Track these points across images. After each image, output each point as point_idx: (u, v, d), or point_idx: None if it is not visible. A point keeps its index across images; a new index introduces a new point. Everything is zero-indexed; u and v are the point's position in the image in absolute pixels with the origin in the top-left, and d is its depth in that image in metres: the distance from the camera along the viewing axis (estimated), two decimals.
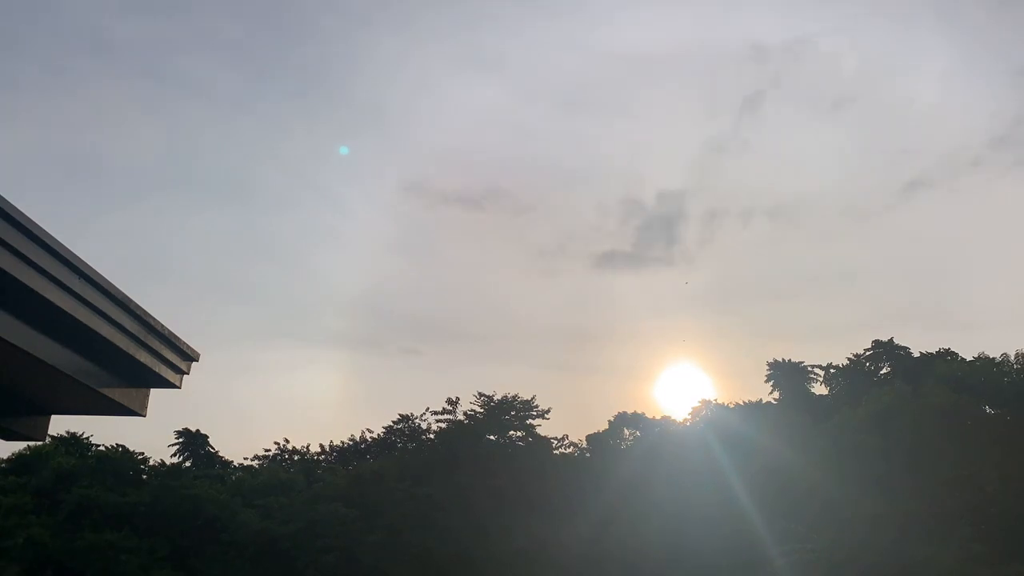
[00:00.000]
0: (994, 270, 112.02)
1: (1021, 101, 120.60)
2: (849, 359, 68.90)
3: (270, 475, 60.64)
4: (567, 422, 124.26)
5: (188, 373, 6.98)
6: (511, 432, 61.91)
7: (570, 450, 66.23)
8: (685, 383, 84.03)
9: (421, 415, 64.54)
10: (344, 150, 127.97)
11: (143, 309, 6.04)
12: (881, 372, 67.14)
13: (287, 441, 71.88)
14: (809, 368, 70.94)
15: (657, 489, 52.09)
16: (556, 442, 64.32)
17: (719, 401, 67.35)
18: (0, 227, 4.59)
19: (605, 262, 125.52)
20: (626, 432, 68.78)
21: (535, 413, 61.90)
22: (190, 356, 6.88)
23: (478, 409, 61.52)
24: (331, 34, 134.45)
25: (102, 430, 62.85)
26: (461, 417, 61.66)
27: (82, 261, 5.27)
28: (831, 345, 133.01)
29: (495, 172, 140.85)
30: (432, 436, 62.87)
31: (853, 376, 67.16)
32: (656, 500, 51.20)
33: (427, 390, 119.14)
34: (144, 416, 7.08)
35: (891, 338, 67.99)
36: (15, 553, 48.50)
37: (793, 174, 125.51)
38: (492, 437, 61.40)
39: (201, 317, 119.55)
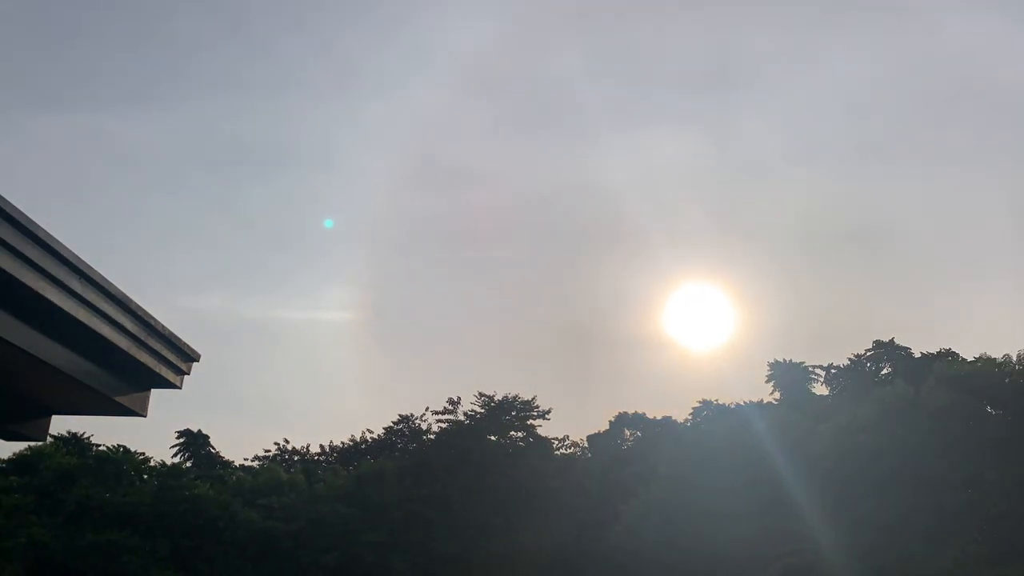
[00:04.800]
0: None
1: None
2: (850, 359, 68.89)
3: (271, 475, 60.65)
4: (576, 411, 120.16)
5: (189, 373, 6.98)
6: (512, 432, 61.94)
7: (571, 450, 66.36)
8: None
9: (421, 415, 64.63)
10: (329, 223, 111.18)
11: (143, 309, 6.04)
12: (882, 372, 67.13)
13: (287, 441, 72.18)
14: (810, 368, 70.95)
15: (657, 489, 52.06)
16: (557, 442, 64.45)
17: (719, 401, 67.52)
18: (0, 227, 4.58)
19: None
20: (627, 432, 68.87)
21: (536, 413, 61.95)
22: (191, 356, 6.88)
23: (479, 409, 61.57)
24: None
25: (103, 430, 62.91)
26: (462, 417, 61.73)
27: (82, 261, 5.27)
28: (832, 345, 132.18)
29: None
30: (432, 436, 62.89)
31: (854, 376, 67.12)
32: (657, 500, 51.18)
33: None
34: (145, 416, 7.08)
35: (892, 338, 68.04)
36: (16, 553, 48.53)
37: None
38: (493, 437, 61.40)
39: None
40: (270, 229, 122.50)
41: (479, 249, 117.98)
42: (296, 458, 70.93)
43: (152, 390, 6.99)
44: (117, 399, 6.54)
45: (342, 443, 71.72)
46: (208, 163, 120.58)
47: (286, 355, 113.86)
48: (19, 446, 56.62)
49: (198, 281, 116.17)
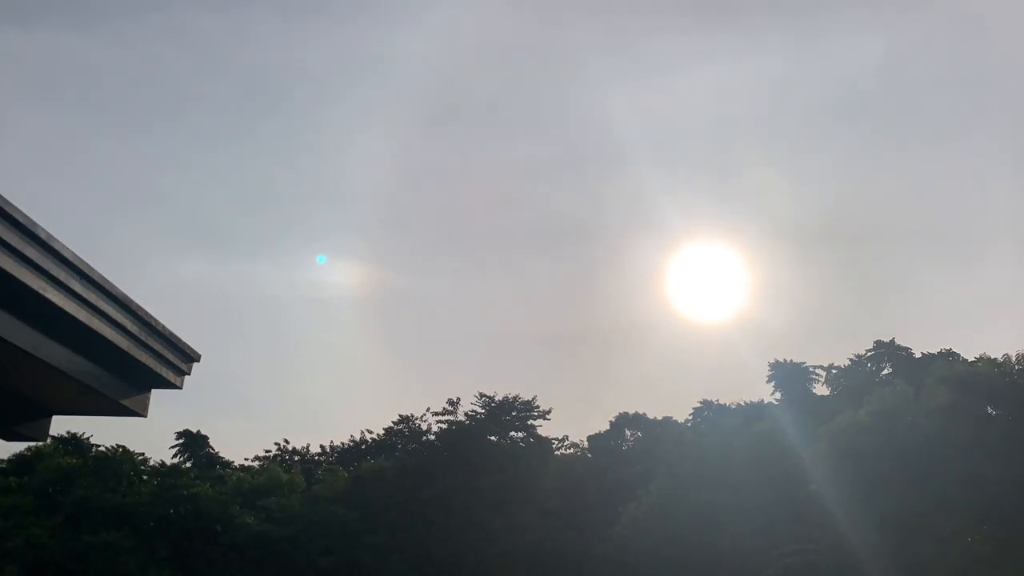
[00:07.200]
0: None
1: None
2: (851, 359, 68.91)
3: (270, 476, 60.62)
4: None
5: (189, 374, 6.95)
6: (512, 433, 61.90)
7: (571, 450, 66.30)
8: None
9: (421, 415, 64.56)
10: (321, 259, 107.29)
11: (144, 310, 6.01)
12: (883, 372, 67.13)
13: (287, 441, 72.17)
14: (810, 368, 70.91)
15: (658, 490, 52.03)
16: (557, 442, 64.40)
17: (720, 401, 67.49)
18: (0, 227, 4.55)
19: None
20: (627, 433, 68.80)
21: (536, 414, 61.92)
22: (191, 357, 6.85)
23: (479, 409, 61.54)
24: None
25: (103, 430, 62.84)
26: (462, 417, 61.67)
27: (83, 261, 5.24)
28: (832, 345, 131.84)
29: None
30: (432, 437, 62.83)
31: (855, 376, 67.11)
32: (657, 501, 51.15)
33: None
34: (145, 417, 7.05)
35: (892, 338, 68.10)
36: (15, 554, 48.49)
37: None
38: (493, 438, 61.35)
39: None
40: (264, 191, 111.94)
41: (484, 219, 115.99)
42: (296, 458, 70.91)
43: (152, 390, 6.97)
44: (117, 399, 6.52)
45: (342, 443, 71.76)
46: (187, 95, 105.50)
47: (273, 343, 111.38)
48: (19, 446, 56.67)
49: (174, 248, 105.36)
